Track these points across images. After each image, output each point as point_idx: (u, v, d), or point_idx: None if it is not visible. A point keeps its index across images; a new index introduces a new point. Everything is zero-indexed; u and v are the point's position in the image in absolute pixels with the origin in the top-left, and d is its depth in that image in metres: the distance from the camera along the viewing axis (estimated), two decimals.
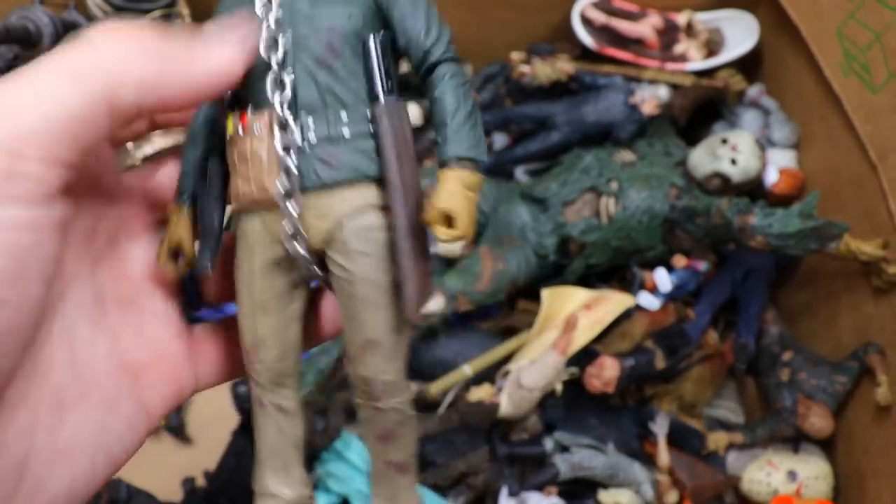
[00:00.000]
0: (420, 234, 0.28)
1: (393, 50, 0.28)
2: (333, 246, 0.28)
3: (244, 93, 0.29)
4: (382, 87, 0.27)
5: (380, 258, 0.28)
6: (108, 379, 0.28)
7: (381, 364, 0.28)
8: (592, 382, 0.78)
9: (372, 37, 0.28)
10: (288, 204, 0.27)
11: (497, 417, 0.76)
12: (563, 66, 0.91)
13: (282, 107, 0.27)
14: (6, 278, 0.21)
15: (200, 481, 0.80)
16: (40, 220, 0.22)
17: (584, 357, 0.80)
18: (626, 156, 0.87)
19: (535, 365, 0.77)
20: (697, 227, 0.82)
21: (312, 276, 0.29)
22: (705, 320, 0.86)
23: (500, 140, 0.98)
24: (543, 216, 0.86)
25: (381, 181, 0.28)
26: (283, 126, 0.27)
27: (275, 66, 0.27)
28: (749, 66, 0.95)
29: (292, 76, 0.27)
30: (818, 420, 0.76)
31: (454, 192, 0.26)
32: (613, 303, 0.83)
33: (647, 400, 0.85)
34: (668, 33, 0.95)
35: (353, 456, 0.73)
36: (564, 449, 0.78)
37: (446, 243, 0.24)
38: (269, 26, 0.27)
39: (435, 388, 0.79)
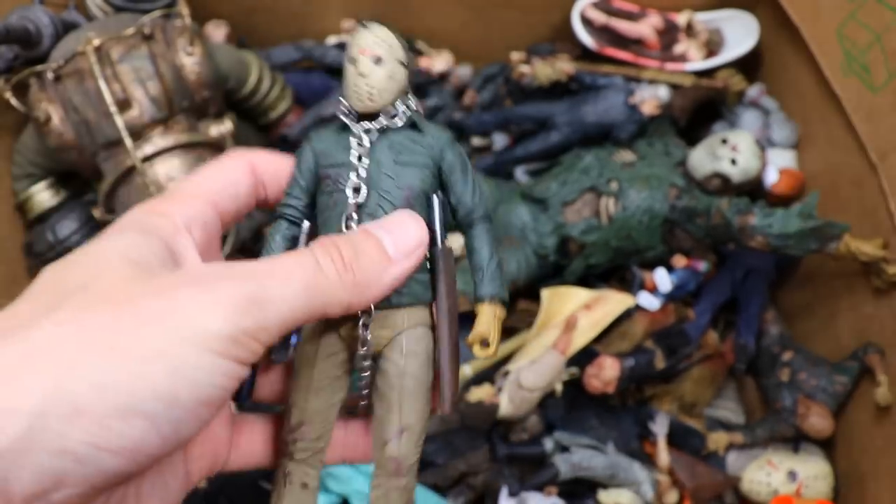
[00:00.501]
0: (456, 347, 0.36)
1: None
2: (392, 348, 0.35)
3: (323, 221, 0.35)
4: (441, 236, 0.35)
5: (425, 360, 0.35)
6: (176, 454, 0.34)
7: (411, 448, 0.35)
8: (592, 382, 0.78)
9: (436, 196, 0.35)
10: (363, 321, 0.34)
11: (497, 417, 0.76)
12: (563, 66, 0.91)
13: None
14: (216, 401, 0.28)
15: (200, 481, 0.80)
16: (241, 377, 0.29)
17: (584, 357, 0.80)
18: (626, 156, 0.87)
19: (534, 365, 0.77)
20: (697, 227, 0.82)
21: (364, 369, 0.35)
22: (705, 320, 0.86)
23: (500, 140, 0.98)
24: (543, 216, 0.86)
25: (430, 305, 0.36)
26: None
27: (353, 212, 0.34)
28: (749, 66, 0.95)
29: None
30: (818, 420, 0.76)
31: (490, 322, 0.35)
32: (613, 303, 0.83)
33: (647, 400, 0.85)
34: (668, 33, 0.95)
35: None
36: (564, 449, 0.78)
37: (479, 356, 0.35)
38: (358, 175, 0.34)
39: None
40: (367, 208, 0.34)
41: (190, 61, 0.75)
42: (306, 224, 0.36)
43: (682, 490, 0.78)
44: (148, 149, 0.73)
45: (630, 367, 0.79)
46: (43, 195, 0.80)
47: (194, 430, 0.28)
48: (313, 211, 0.37)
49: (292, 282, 0.29)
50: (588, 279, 0.89)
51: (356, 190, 0.34)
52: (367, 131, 0.35)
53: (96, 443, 0.24)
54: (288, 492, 0.35)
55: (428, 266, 0.36)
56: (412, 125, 0.36)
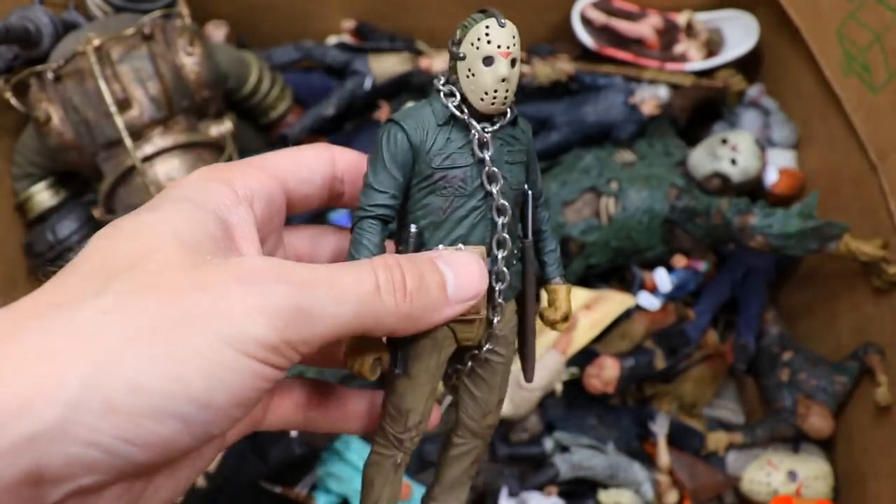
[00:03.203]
0: (534, 325, 0.39)
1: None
2: (497, 340, 0.37)
3: (436, 222, 0.35)
4: (531, 229, 0.37)
5: (513, 344, 0.38)
6: None
7: (499, 413, 0.39)
8: (592, 382, 0.78)
9: (531, 192, 0.37)
10: (495, 318, 0.36)
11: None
12: (563, 66, 0.91)
13: (501, 260, 0.35)
14: (250, 403, 0.27)
15: (200, 481, 0.80)
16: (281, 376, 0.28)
17: (584, 357, 0.80)
18: (626, 156, 0.87)
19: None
20: (697, 227, 0.82)
21: (476, 360, 0.38)
22: (705, 320, 0.86)
23: None
24: None
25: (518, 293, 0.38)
26: (500, 276, 0.35)
27: (500, 225, 0.34)
28: (749, 66, 0.95)
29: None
30: (818, 420, 0.76)
31: (567, 300, 0.38)
32: (613, 303, 0.83)
33: (647, 400, 0.85)
34: (668, 33, 0.95)
35: (353, 456, 0.73)
36: (564, 449, 0.78)
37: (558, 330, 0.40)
38: (496, 180, 0.34)
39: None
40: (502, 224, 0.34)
41: (190, 61, 0.75)
42: (413, 228, 0.34)
43: (682, 490, 0.78)
44: (148, 149, 0.73)
45: (630, 367, 0.79)
46: (43, 195, 0.80)
47: (226, 427, 0.27)
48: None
49: (347, 301, 0.28)
50: (588, 279, 0.89)
51: (499, 210, 0.34)
52: (487, 131, 0.34)
53: (126, 438, 0.24)
54: (397, 474, 0.38)
55: (519, 257, 0.37)
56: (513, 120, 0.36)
